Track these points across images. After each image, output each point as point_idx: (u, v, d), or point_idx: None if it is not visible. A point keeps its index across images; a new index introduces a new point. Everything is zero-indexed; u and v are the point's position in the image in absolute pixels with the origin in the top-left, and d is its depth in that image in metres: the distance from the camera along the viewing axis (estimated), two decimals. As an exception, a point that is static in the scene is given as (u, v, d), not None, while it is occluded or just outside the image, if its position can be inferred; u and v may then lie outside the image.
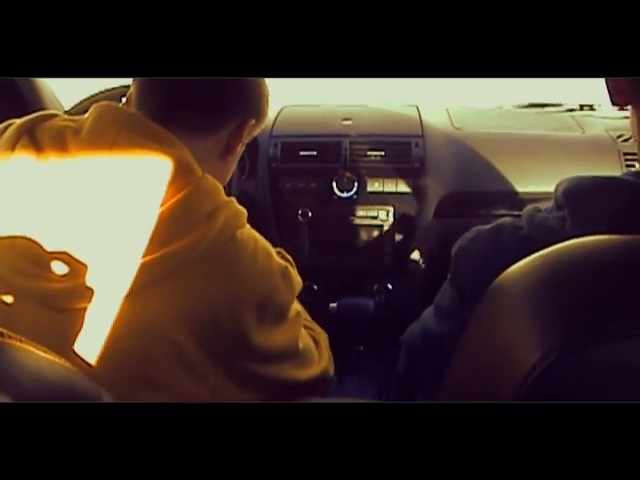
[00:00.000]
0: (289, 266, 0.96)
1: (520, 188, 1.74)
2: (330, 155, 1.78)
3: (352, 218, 1.75)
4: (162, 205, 0.82)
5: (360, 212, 1.76)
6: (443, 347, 0.78)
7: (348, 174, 1.75)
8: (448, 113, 1.99)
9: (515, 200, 1.72)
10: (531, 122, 1.97)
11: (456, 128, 1.90)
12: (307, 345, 1.03)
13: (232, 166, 1.07)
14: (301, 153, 1.79)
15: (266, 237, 1.54)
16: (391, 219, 1.75)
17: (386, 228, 1.75)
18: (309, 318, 1.15)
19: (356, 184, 1.75)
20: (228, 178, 1.08)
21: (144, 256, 0.81)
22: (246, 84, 0.98)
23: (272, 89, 1.05)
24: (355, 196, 1.76)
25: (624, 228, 0.65)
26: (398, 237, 1.76)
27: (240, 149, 1.03)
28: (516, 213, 0.84)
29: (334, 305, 1.68)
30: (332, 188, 1.76)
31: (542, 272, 0.60)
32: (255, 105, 1.00)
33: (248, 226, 0.94)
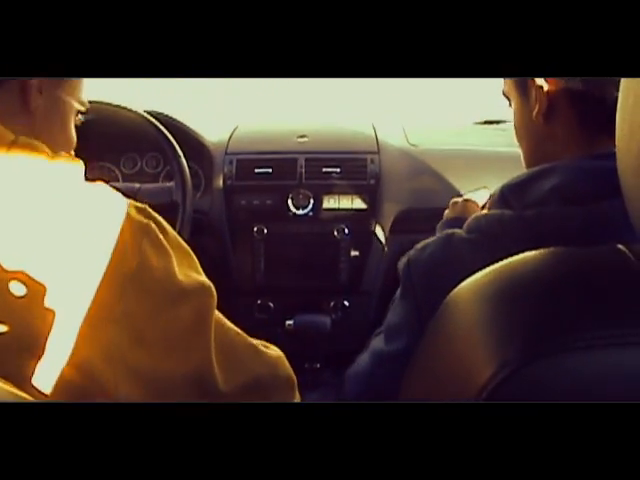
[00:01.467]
0: (151, 223, 0.81)
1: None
2: (285, 172, 1.78)
3: (308, 235, 1.74)
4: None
5: (316, 229, 1.75)
6: (397, 367, 0.78)
7: (303, 191, 1.75)
8: (404, 130, 2.00)
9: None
10: (487, 139, 1.99)
11: (412, 145, 1.91)
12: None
13: (51, 123, 0.90)
14: (256, 170, 1.78)
15: (222, 255, 1.54)
16: (347, 236, 1.75)
17: (342, 245, 1.74)
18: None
19: (312, 201, 1.75)
20: (59, 142, 0.91)
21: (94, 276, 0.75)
22: None
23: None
24: (311, 213, 1.75)
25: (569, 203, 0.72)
26: (354, 253, 1.76)
27: (44, 100, 0.86)
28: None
29: (290, 322, 1.67)
30: (288, 205, 1.75)
31: (497, 285, 0.60)
32: None
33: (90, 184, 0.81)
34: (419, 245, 0.85)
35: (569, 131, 0.83)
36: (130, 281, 0.76)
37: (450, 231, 0.83)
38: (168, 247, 0.81)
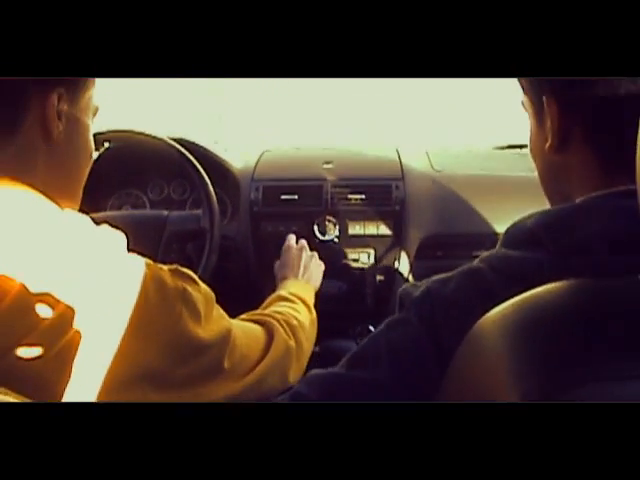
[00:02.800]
0: (188, 287, 0.86)
1: (501, 229, 1.75)
2: (311, 199, 1.80)
3: (333, 261, 1.75)
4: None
5: (341, 255, 1.77)
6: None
7: (329, 217, 1.77)
8: (428, 155, 2.01)
9: (495, 241, 1.74)
10: (510, 163, 2.00)
11: (436, 170, 1.92)
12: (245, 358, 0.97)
13: (74, 146, 0.91)
14: (282, 197, 1.80)
15: (248, 280, 1.55)
16: (372, 261, 1.76)
17: (367, 270, 1.76)
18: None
19: (337, 227, 1.77)
20: (84, 160, 0.94)
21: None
22: None
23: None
24: (336, 239, 1.77)
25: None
26: (379, 279, 1.77)
27: (64, 124, 0.87)
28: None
29: (316, 348, 1.68)
30: (313, 231, 1.77)
31: (522, 317, 0.61)
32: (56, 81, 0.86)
33: (126, 254, 0.83)
34: (438, 278, 0.84)
35: (584, 166, 0.81)
36: (161, 339, 0.81)
37: (474, 267, 0.82)
38: (201, 307, 0.86)
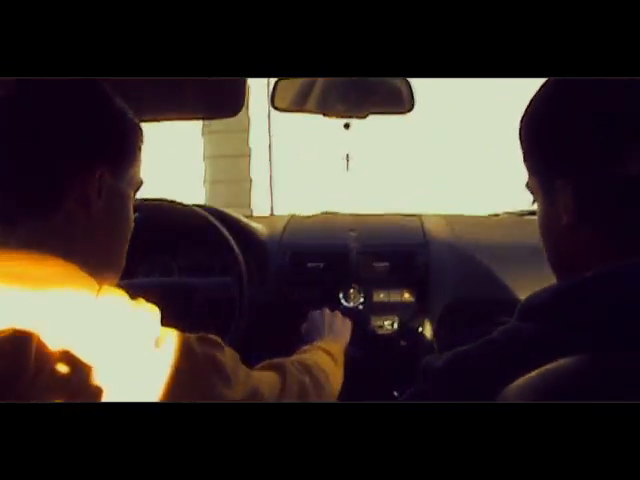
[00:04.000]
0: (217, 353, 0.88)
1: (522, 296, 1.78)
2: (337, 266, 1.83)
3: (358, 328, 1.78)
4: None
5: (366, 322, 1.79)
6: None
7: (355, 285, 1.80)
8: (449, 222, 2.05)
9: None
10: (529, 230, 2.02)
11: (457, 237, 1.96)
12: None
13: (114, 220, 0.94)
14: (309, 264, 1.85)
15: (275, 347, 1.58)
16: (396, 328, 1.78)
17: (391, 337, 1.78)
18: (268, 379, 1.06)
19: (362, 294, 1.80)
20: (123, 231, 0.97)
21: None
22: (75, 138, 0.88)
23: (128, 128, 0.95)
24: (361, 307, 1.80)
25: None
26: (403, 345, 1.79)
27: (105, 200, 0.90)
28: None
29: None
30: (339, 299, 1.80)
31: (544, 389, 0.64)
32: (101, 154, 0.90)
33: (162, 329, 0.86)
34: (460, 350, 0.86)
35: (596, 242, 0.84)
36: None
37: (492, 339, 0.84)
38: (230, 371, 0.89)
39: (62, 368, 0.74)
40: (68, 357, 0.74)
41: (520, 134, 0.94)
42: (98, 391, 0.75)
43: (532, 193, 0.95)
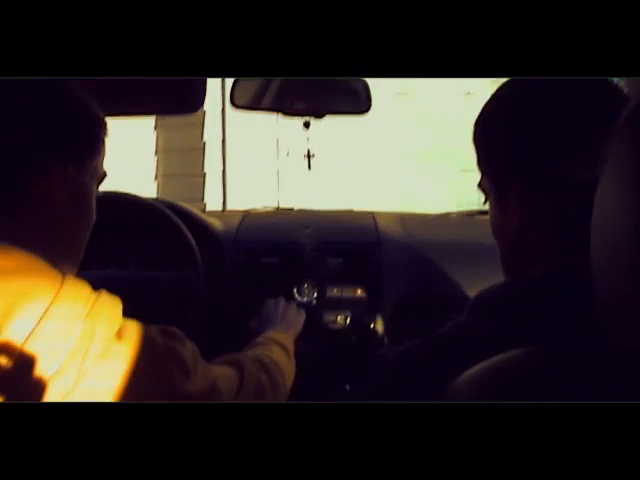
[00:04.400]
0: (177, 345, 0.89)
1: (471, 293, 1.83)
2: (291, 262, 1.86)
3: (311, 323, 1.80)
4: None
5: (319, 317, 1.82)
6: None
7: (308, 281, 1.83)
8: (402, 220, 2.09)
9: (466, 305, 1.80)
10: (481, 229, 2.07)
11: (409, 235, 2.00)
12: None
13: (77, 212, 0.95)
14: (263, 259, 1.87)
15: (230, 341, 1.60)
16: (349, 323, 1.82)
17: (344, 332, 1.82)
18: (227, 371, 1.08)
19: (316, 290, 1.83)
20: (86, 224, 0.98)
21: None
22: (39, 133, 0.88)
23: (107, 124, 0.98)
24: (314, 302, 1.83)
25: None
26: (355, 340, 1.82)
27: (69, 191, 0.91)
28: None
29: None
30: (293, 294, 1.83)
31: (490, 381, 0.68)
32: (65, 147, 0.90)
33: (122, 319, 0.86)
34: (414, 342, 0.90)
35: (542, 245, 0.87)
36: (154, 396, 0.85)
37: (445, 333, 0.88)
38: (189, 364, 0.90)
39: (24, 359, 0.74)
40: (29, 350, 0.75)
41: (474, 136, 0.96)
42: (59, 384, 0.76)
43: (484, 193, 0.98)
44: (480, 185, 0.98)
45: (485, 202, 0.99)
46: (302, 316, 1.58)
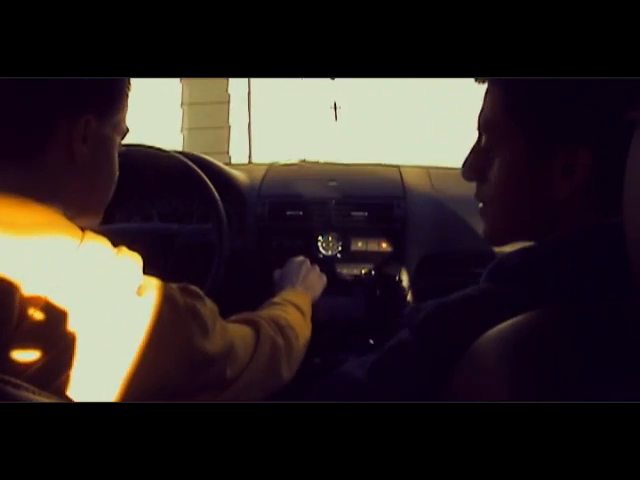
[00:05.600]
0: (196, 303, 0.90)
1: (497, 248, 1.81)
2: (316, 215, 1.85)
3: (335, 276, 1.81)
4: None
5: (343, 270, 1.82)
6: None
7: (333, 234, 1.83)
8: (428, 174, 2.06)
9: (491, 260, 1.78)
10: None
11: (436, 190, 1.97)
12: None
13: (99, 168, 0.94)
14: (288, 213, 1.86)
15: (253, 294, 1.60)
16: (373, 277, 1.81)
17: (368, 286, 1.81)
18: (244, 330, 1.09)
19: (340, 243, 1.82)
20: (108, 178, 0.97)
21: None
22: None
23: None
24: (339, 255, 1.83)
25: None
26: (379, 294, 1.82)
27: (90, 147, 0.90)
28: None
29: (316, 360, 1.72)
30: (317, 247, 1.82)
31: (517, 336, 0.66)
32: (88, 100, 0.88)
33: (144, 277, 0.87)
34: (439, 304, 0.86)
35: (574, 199, 0.82)
36: (173, 353, 0.86)
37: (469, 295, 0.84)
38: (208, 322, 0.91)
39: (45, 315, 0.74)
40: (51, 305, 0.74)
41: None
42: (81, 339, 0.76)
43: (489, 137, 0.91)
44: (489, 129, 0.90)
45: (485, 150, 0.91)
46: (323, 281, 1.55)
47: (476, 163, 0.94)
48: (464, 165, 0.96)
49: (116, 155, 0.97)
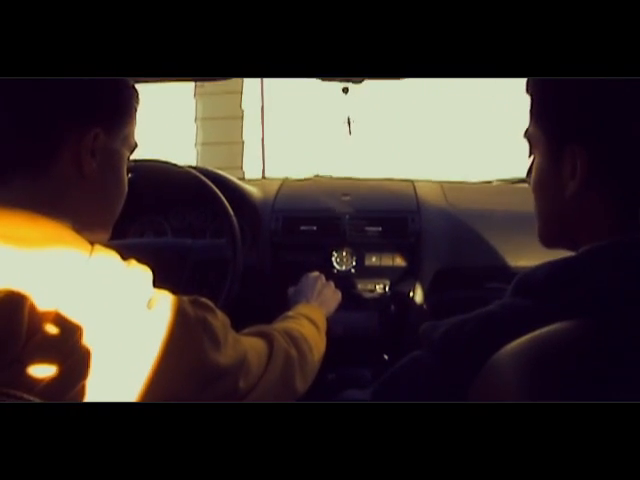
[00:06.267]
0: (207, 316, 0.89)
1: (512, 262, 1.80)
2: (330, 230, 1.85)
3: (350, 291, 1.80)
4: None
5: (358, 286, 1.81)
6: None
7: (347, 249, 1.82)
8: (442, 189, 2.06)
9: (506, 274, 1.77)
10: (520, 197, 2.03)
11: (450, 204, 1.97)
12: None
13: (107, 181, 0.93)
14: (302, 228, 1.86)
15: (267, 309, 1.60)
16: (388, 292, 1.80)
17: (383, 301, 1.80)
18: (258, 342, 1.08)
19: (354, 258, 1.82)
20: (117, 193, 0.97)
21: None
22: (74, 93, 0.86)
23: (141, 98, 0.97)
24: (353, 270, 1.82)
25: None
26: (394, 309, 1.81)
27: (99, 161, 0.89)
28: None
29: (332, 375, 1.71)
30: (331, 262, 1.82)
31: (534, 352, 0.66)
32: (96, 114, 0.89)
33: (154, 290, 0.86)
34: (457, 320, 0.86)
35: (598, 213, 0.81)
36: (185, 366, 0.85)
37: (489, 312, 0.84)
38: (220, 335, 0.90)
39: (55, 330, 0.74)
40: (61, 318, 0.74)
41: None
42: (91, 353, 0.76)
43: (530, 144, 0.90)
44: (527, 133, 0.89)
45: (530, 155, 0.91)
46: (338, 296, 1.53)
47: (528, 170, 0.94)
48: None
49: (125, 169, 0.97)
